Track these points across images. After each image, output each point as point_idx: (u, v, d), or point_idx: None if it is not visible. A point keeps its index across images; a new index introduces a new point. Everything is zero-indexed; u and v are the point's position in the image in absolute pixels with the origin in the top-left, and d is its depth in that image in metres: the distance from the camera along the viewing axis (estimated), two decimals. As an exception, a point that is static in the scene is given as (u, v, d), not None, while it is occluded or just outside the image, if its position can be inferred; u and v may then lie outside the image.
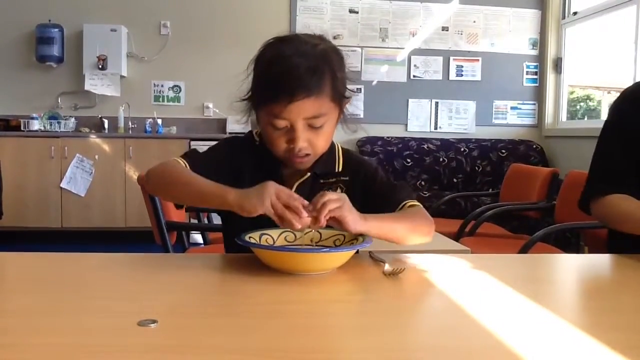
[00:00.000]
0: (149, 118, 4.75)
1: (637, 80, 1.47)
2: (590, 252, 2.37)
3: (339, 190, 1.16)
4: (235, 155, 1.18)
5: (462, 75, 5.15)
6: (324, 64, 1.05)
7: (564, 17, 5.06)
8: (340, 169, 1.19)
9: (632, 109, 1.37)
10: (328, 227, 1.05)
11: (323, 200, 0.92)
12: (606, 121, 1.45)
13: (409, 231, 1.06)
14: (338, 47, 1.13)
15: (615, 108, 1.43)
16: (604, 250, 1.59)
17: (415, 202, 1.14)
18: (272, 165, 1.14)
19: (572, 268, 1.17)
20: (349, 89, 1.12)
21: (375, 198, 1.16)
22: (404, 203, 1.13)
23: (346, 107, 1.14)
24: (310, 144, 1.07)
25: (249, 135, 1.22)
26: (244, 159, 1.18)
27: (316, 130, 1.06)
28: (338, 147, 1.22)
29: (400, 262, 0.98)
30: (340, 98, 1.10)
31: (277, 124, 1.05)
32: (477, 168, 4.91)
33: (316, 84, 1.02)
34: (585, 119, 5.40)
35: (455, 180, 4.87)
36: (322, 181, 1.16)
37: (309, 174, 1.15)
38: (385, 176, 1.21)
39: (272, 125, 1.06)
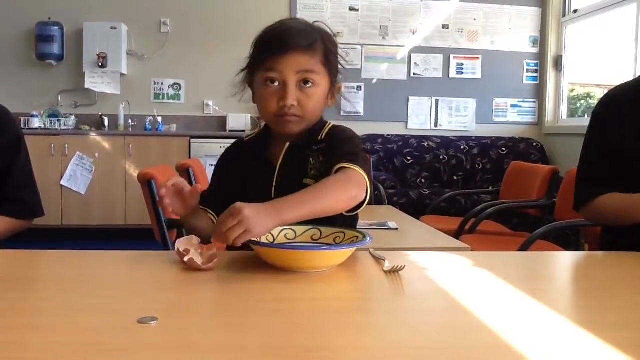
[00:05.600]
0: (149, 116, 4.75)
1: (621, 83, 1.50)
2: (590, 249, 2.37)
3: (320, 158, 1.17)
4: (227, 160, 1.28)
5: (462, 73, 5.15)
6: (316, 32, 1.15)
7: (564, 15, 5.06)
8: (322, 138, 1.20)
9: (611, 115, 1.40)
10: (328, 225, 1.05)
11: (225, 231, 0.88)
12: (589, 126, 1.47)
13: (330, 202, 1.00)
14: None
15: (597, 113, 1.46)
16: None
17: (348, 165, 1.06)
18: (259, 148, 1.23)
19: (572, 266, 1.17)
20: (341, 64, 1.19)
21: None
22: (337, 167, 1.07)
23: (340, 94, 1.22)
24: (300, 104, 1.12)
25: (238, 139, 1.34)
26: (236, 156, 1.28)
27: (306, 91, 1.12)
28: (329, 124, 1.24)
29: (400, 260, 0.98)
30: (331, 69, 1.16)
31: (271, 76, 1.11)
32: (477, 166, 4.91)
33: (308, 41, 1.11)
34: (586, 116, 5.39)
35: (455, 178, 4.87)
36: (306, 152, 1.18)
37: (287, 144, 1.19)
38: (346, 138, 1.18)
39: (266, 82, 1.12)
